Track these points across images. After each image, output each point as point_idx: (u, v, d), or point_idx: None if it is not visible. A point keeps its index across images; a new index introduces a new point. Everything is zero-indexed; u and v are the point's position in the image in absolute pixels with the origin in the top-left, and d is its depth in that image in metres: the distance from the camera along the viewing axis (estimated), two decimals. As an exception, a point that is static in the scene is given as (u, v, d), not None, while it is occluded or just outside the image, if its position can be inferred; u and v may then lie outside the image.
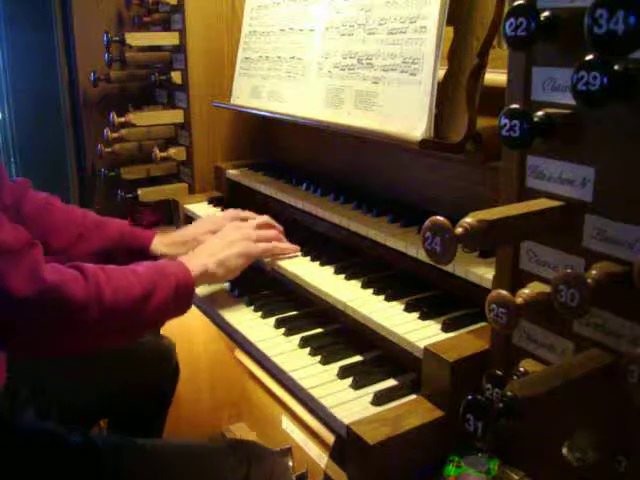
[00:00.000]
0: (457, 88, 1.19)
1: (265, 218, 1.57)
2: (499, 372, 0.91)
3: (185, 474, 1.31)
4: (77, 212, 1.57)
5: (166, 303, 1.22)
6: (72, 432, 1.29)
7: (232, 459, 1.35)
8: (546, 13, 0.78)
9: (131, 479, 1.28)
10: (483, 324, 1.12)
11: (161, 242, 1.56)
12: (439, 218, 0.75)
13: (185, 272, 1.28)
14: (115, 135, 2.04)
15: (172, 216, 2.05)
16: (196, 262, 1.33)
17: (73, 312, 1.07)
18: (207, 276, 1.35)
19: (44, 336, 1.09)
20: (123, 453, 1.30)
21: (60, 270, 1.09)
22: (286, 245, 1.50)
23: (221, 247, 1.40)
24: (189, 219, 1.92)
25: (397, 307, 1.24)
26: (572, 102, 0.73)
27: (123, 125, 2.01)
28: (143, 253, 1.54)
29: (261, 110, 1.72)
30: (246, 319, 1.38)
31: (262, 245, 1.45)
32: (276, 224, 1.56)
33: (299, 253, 1.50)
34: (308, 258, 1.49)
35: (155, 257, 1.54)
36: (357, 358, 1.22)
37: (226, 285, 1.55)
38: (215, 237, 1.46)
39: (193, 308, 1.61)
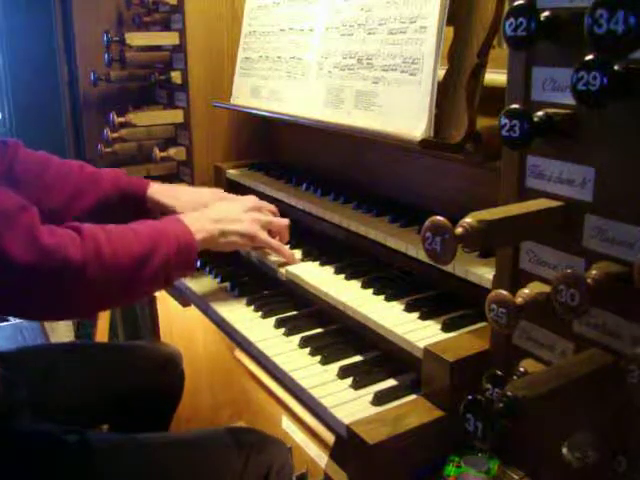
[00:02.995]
0: (457, 88, 1.19)
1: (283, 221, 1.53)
2: (499, 372, 0.91)
3: (183, 465, 1.31)
4: (74, 168, 1.55)
5: (168, 263, 1.21)
6: (69, 432, 1.29)
7: (230, 448, 1.34)
8: (546, 13, 0.78)
9: (128, 475, 1.28)
10: (483, 324, 1.12)
11: (158, 191, 1.55)
12: (439, 218, 0.75)
13: (187, 233, 1.27)
14: (115, 135, 2.04)
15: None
16: (199, 225, 1.31)
17: (72, 273, 1.07)
18: (208, 242, 1.34)
19: (47, 299, 1.09)
20: (119, 449, 1.30)
21: (56, 232, 1.08)
22: (289, 251, 1.47)
23: (228, 219, 1.38)
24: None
25: (397, 307, 1.24)
26: (572, 102, 0.73)
27: (123, 125, 2.01)
28: (139, 201, 1.53)
29: (261, 110, 1.72)
30: (246, 319, 1.38)
31: (268, 238, 1.44)
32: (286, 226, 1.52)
33: (298, 263, 1.48)
34: (308, 258, 1.49)
35: (151, 205, 1.53)
36: (357, 358, 1.22)
37: (226, 285, 1.55)
38: (226, 204, 1.44)
39: (193, 308, 1.62)
